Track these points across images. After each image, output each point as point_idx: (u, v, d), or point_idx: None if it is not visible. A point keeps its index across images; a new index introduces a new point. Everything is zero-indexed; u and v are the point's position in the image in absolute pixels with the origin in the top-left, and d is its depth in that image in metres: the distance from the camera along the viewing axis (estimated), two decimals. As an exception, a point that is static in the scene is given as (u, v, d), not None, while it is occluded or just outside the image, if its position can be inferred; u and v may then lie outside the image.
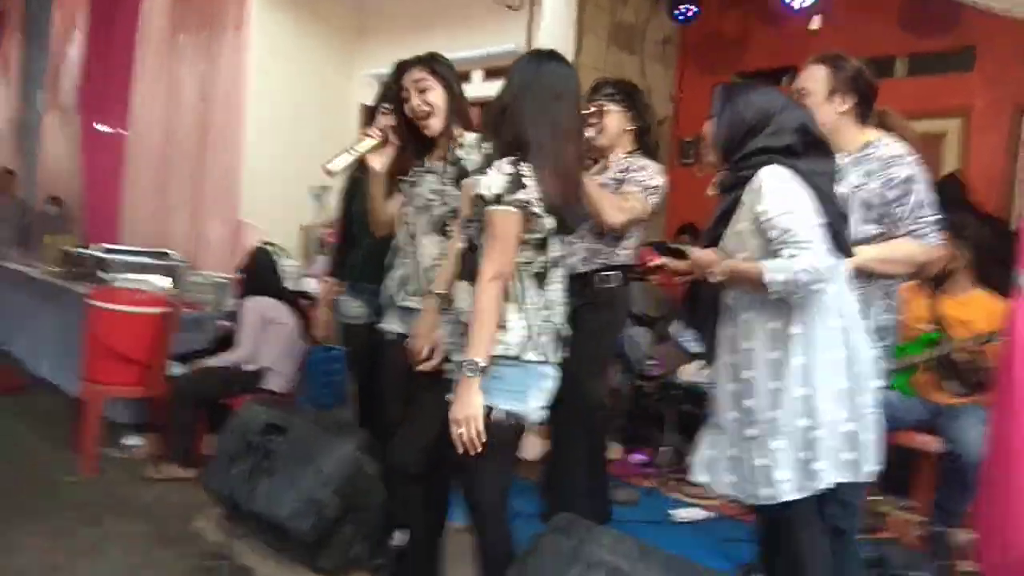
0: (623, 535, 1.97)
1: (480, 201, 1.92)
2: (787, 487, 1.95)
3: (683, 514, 3.38)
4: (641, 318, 4.14)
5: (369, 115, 2.90)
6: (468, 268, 1.98)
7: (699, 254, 2.09)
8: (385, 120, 2.74)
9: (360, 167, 2.81)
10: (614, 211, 2.72)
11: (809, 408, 1.94)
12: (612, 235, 2.82)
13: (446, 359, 2.12)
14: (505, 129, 1.95)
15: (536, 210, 1.89)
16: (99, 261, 4.68)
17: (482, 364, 1.87)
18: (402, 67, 2.49)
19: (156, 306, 3.87)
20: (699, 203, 5.54)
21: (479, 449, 1.88)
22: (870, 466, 1.99)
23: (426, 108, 2.40)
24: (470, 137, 2.43)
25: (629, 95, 2.94)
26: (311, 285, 4.99)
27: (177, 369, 3.86)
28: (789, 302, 1.92)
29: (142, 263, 4.70)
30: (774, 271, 1.87)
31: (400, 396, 2.45)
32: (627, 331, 3.82)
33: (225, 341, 3.93)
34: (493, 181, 1.90)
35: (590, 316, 2.69)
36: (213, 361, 3.73)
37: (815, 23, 4.74)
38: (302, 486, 2.44)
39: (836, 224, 1.98)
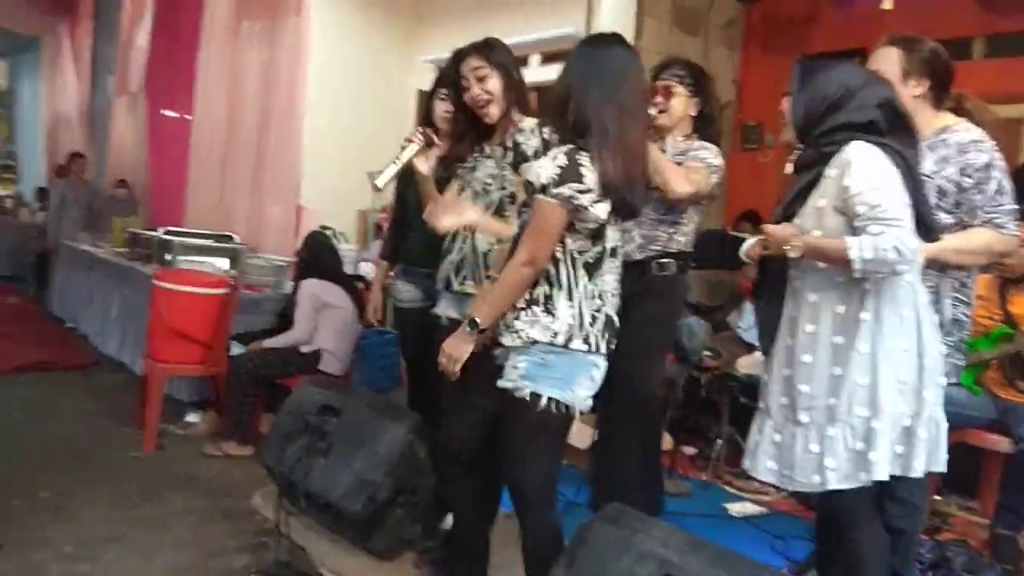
0: (674, 527, 1.92)
1: (530, 187, 1.92)
2: (835, 476, 1.90)
3: (737, 508, 3.31)
4: (698, 307, 4.06)
5: (426, 101, 2.91)
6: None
7: (776, 228, 1.99)
8: (442, 107, 2.75)
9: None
10: (681, 180, 2.59)
11: (871, 398, 1.88)
12: (670, 220, 2.75)
13: (496, 343, 2.10)
14: (568, 113, 1.92)
15: (584, 203, 1.86)
16: (164, 243, 4.80)
17: (482, 327, 1.94)
18: (459, 55, 2.47)
19: (218, 287, 3.96)
20: (761, 189, 5.48)
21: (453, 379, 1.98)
22: (922, 464, 1.91)
23: (485, 96, 2.40)
24: (529, 122, 2.41)
25: (698, 79, 2.85)
26: (367, 269, 5.05)
27: (237, 349, 3.94)
28: (867, 284, 1.86)
29: (205, 246, 4.81)
30: (861, 247, 1.79)
31: (451, 384, 2.45)
32: (684, 320, 3.74)
33: (283, 321, 4.00)
34: (544, 169, 1.89)
35: (646, 305, 2.63)
36: (271, 342, 3.80)
37: (887, 3, 4.55)
38: (355, 467, 2.46)
39: (922, 207, 1.91)
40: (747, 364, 3.64)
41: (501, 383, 1.97)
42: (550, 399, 1.92)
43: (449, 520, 2.52)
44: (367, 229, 6.73)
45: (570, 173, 1.85)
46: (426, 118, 2.88)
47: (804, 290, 1.98)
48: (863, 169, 1.85)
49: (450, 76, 2.60)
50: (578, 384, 1.95)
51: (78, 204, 7.61)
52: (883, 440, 1.87)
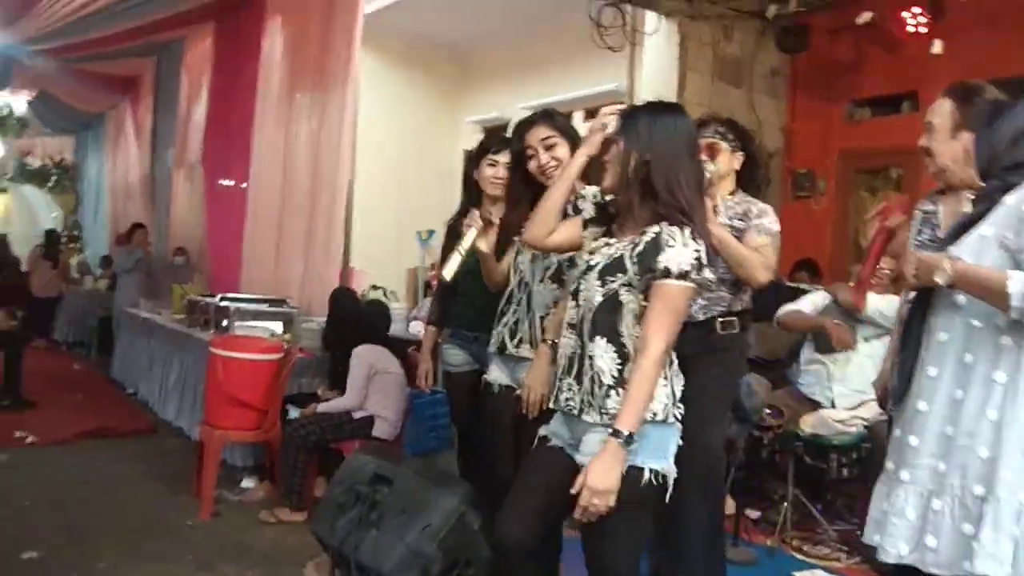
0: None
1: (651, 270, 1.84)
2: (933, 557, 1.71)
3: None
4: (756, 362, 3.94)
5: (470, 163, 2.94)
6: (607, 324, 1.89)
7: (928, 254, 1.85)
8: (491, 171, 2.79)
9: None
10: (761, 269, 2.63)
11: (988, 474, 1.68)
12: (731, 279, 2.71)
13: (551, 410, 2.05)
14: (655, 188, 1.88)
15: (710, 282, 1.88)
16: (220, 309, 4.89)
17: (632, 434, 1.79)
18: (524, 125, 2.53)
19: (272, 353, 4.00)
20: (814, 237, 5.36)
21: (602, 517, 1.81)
22: None
23: (554, 164, 2.44)
24: (590, 190, 2.38)
25: (738, 133, 2.83)
26: (418, 327, 5.05)
27: (293, 412, 3.95)
28: (1006, 337, 1.68)
29: (260, 310, 4.88)
30: (1023, 281, 1.60)
31: (508, 450, 2.40)
32: (742, 377, 3.63)
33: (334, 379, 4.00)
34: (682, 257, 1.82)
35: (708, 365, 2.59)
36: (324, 407, 3.80)
37: (936, 47, 4.48)
38: (407, 539, 2.41)
39: None
40: (811, 422, 3.50)
41: (588, 459, 1.86)
42: (652, 471, 1.85)
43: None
44: (417, 287, 6.80)
45: (702, 261, 1.85)
46: (471, 180, 2.91)
47: (936, 328, 1.81)
48: None
49: (506, 143, 2.71)
50: (671, 453, 1.90)
51: (139, 272, 7.85)
52: (991, 528, 1.65)
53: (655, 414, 1.85)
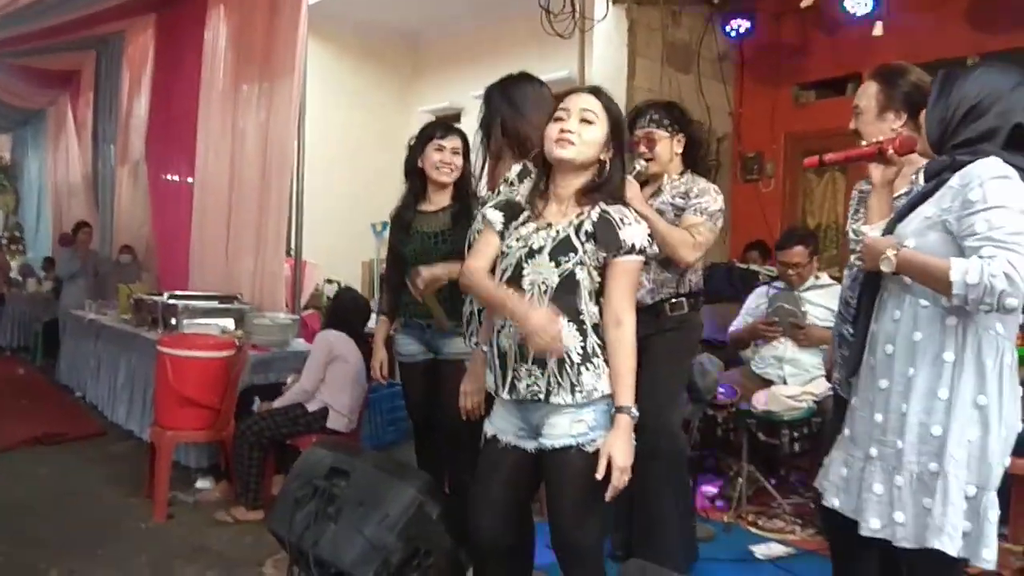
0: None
1: (615, 248, 1.88)
2: (902, 531, 1.73)
3: (763, 550, 3.21)
4: (710, 342, 3.99)
5: (415, 148, 2.91)
6: (566, 303, 1.90)
7: (875, 238, 1.85)
8: (438, 156, 2.79)
9: (412, 209, 2.83)
10: (687, 248, 2.64)
11: (941, 453, 1.70)
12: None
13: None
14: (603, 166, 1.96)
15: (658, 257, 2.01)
16: (168, 307, 4.78)
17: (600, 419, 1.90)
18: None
19: (223, 350, 3.92)
20: (764, 219, 5.43)
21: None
22: (993, 553, 1.71)
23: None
24: (513, 170, 2.34)
25: (675, 117, 2.84)
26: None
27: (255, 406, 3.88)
28: (952, 318, 1.70)
29: (209, 308, 4.79)
30: (966, 269, 1.58)
31: (473, 439, 2.39)
32: (696, 357, 3.67)
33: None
34: (639, 233, 1.91)
35: (662, 344, 2.63)
36: (279, 401, 3.74)
37: (877, 29, 4.58)
38: (367, 532, 2.38)
39: None
40: (763, 399, 3.56)
41: (559, 441, 1.90)
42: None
43: (468, 579, 2.44)
44: (373, 279, 6.74)
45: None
46: (414, 169, 2.88)
47: (889, 306, 1.82)
48: (996, 184, 1.66)
49: (452, 129, 2.79)
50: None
51: (84, 273, 7.65)
52: (947, 504, 1.69)
53: (608, 387, 1.90)
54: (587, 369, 1.88)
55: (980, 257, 1.60)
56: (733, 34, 5.22)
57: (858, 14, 4.62)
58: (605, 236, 1.88)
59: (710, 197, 2.73)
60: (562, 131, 1.90)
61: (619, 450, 1.83)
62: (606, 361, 1.90)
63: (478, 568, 2.21)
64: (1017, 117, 1.73)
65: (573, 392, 1.88)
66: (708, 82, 5.48)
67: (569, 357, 1.87)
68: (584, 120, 1.91)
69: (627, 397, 1.86)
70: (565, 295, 1.89)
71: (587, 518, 1.92)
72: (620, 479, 1.82)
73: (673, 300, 2.75)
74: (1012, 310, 1.61)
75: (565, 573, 1.98)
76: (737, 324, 3.93)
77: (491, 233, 2.03)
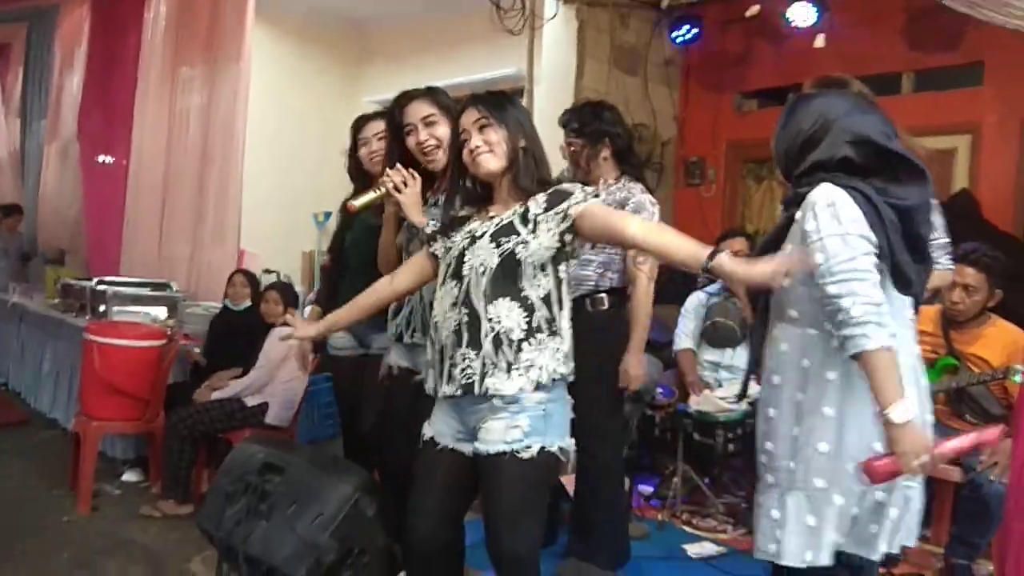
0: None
1: (574, 202, 1.93)
2: (784, 550, 1.77)
3: (696, 549, 3.27)
4: (651, 344, 4.04)
5: (351, 152, 2.86)
6: (507, 283, 1.92)
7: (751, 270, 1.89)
8: (364, 150, 2.74)
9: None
10: (648, 288, 2.76)
11: (832, 467, 1.72)
12: (598, 260, 2.77)
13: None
14: (527, 168, 2.00)
15: None
16: (97, 293, 4.62)
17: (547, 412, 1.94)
18: (404, 99, 2.42)
19: (153, 339, 3.80)
20: (704, 224, 5.52)
21: None
22: (885, 545, 1.75)
23: (434, 143, 2.35)
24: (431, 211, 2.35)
25: (590, 122, 2.84)
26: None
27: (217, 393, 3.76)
28: (835, 340, 1.70)
29: (141, 295, 4.65)
30: (862, 336, 1.60)
31: (402, 432, 2.37)
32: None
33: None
34: (586, 191, 1.97)
35: (587, 344, 2.62)
36: (219, 394, 3.65)
37: (819, 41, 4.69)
38: (299, 529, 2.34)
39: (899, 255, 1.70)
40: (698, 400, 3.62)
41: (494, 447, 1.88)
42: (561, 449, 1.91)
43: (401, 577, 2.42)
44: (313, 271, 6.62)
45: None
46: (359, 171, 2.84)
47: (778, 339, 1.84)
48: (823, 212, 1.69)
49: (366, 120, 2.68)
50: (568, 427, 1.96)
51: (9, 255, 7.34)
52: (836, 517, 1.73)
53: (562, 375, 1.92)
54: (529, 344, 1.88)
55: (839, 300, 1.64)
56: (679, 40, 5.29)
57: (801, 26, 4.73)
58: (558, 198, 1.94)
59: (647, 212, 2.76)
60: (472, 150, 1.98)
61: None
62: (555, 334, 1.91)
63: (410, 568, 2.20)
64: (843, 151, 1.74)
65: (509, 371, 1.87)
66: (655, 86, 5.54)
67: (508, 337, 1.88)
68: (482, 128, 1.98)
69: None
70: (504, 276, 1.90)
71: (521, 525, 1.92)
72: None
73: (593, 296, 2.77)
74: (859, 335, 1.61)
75: None
76: (681, 332, 3.97)
77: (420, 258, 2.12)
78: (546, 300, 1.92)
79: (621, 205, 2.76)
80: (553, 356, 1.90)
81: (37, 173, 7.92)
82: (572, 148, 2.81)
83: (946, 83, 4.81)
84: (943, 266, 2.21)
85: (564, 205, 1.92)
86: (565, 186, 1.98)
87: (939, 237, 2.21)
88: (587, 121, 2.83)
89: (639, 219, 1.92)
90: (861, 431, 1.72)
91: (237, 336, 3.97)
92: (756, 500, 1.89)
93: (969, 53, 4.55)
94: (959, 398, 3.06)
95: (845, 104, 1.81)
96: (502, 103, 2.02)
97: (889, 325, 1.63)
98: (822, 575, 1.79)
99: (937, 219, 2.21)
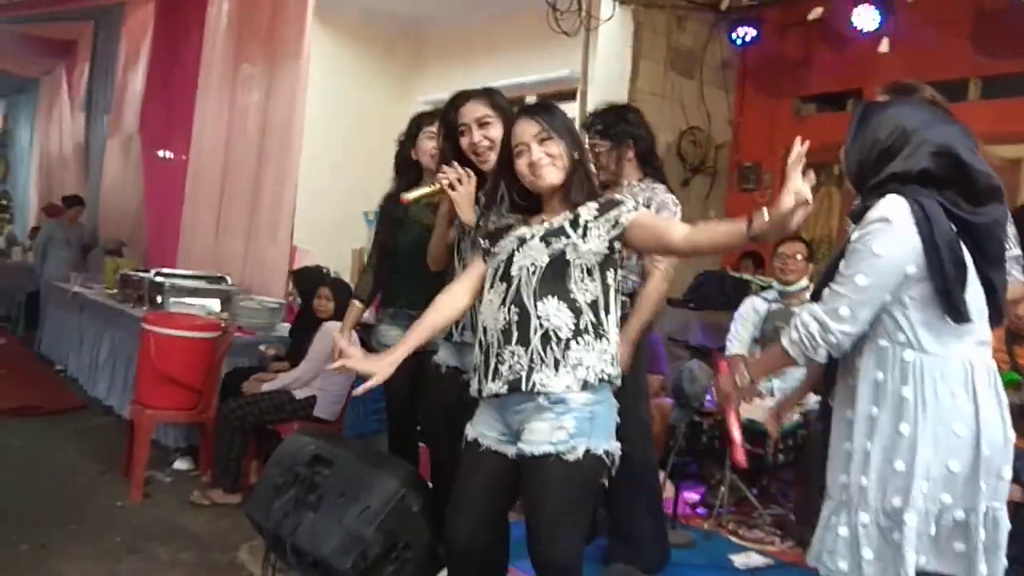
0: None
1: (627, 210, 1.96)
2: (869, 568, 1.71)
3: (742, 560, 3.20)
4: (699, 350, 3.99)
5: (407, 140, 2.89)
6: (555, 283, 1.93)
7: (721, 382, 2.05)
8: (430, 144, 2.73)
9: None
10: (664, 287, 2.73)
11: (905, 487, 1.67)
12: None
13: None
14: (580, 179, 2.01)
15: None
16: (155, 285, 4.73)
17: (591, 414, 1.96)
18: (460, 99, 2.42)
19: (208, 331, 3.88)
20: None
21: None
22: (985, 567, 1.67)
23: (487, 143, 2.34)
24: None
25: (616, 125, 2.82)
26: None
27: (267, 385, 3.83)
28: (907, 354, 1.68)
29: (197, 287, 4.75)
30: (790, 331, 1.73)
31: (450, 432, 2.37)
32: (684, 365, 3.67)
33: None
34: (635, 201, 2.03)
35: None
36: (269, 385, 3.71)
37: (883, 46, 4.58)
38: (346, 522, 2.37)
39: (951, 283, 1.64)
40: (749, 408, 3.55)
41: (539, 448, 1.86)
42: (606, 452, 1.89)
43: (443, 575, 2.42)
44: (363, 267, 6.69)
45: None
46: (408, 161, 2.85)
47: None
48: (872, 225, 1.66)
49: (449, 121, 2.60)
50: (614, 428, 1.95)
51: (72, 246, 7.57)
52: (913, 537, 1.66)
53: (609, 376, 1.90)
54: (577, 344, 1.88)
55: (799, 310, 1.74)
56: (738, 42, 5.21)
57: (865, 30, 4.61)
58: (609, 205, 1.96)
59: (669, 211, 2.74)
60: (531, 164, 1.97)
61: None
62: (601, 337, 1.91)
63: (452, 569, 2.19)
64: (923, 162, 1.68)
65: (556, 368, 1.86)
66: (710, 89, 5.47)
67: (556, 335, 1.87)
68: (542, 141, 1.97)
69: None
70: (554, 276, 1.90)
71: (565, 529, 1.90)
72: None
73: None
74: (833, 347, 1.69)
75: None
76: (734, 336, 3.88)
77: (476, 266, 2.10)
78: (593, 305, 1.91)
79: (645, 205, 2.74)
80: (600, 357, 1.89)
81: (100, 166, 8.16)
82: (597, 150, 2.80)
83: (1015, 89, 4.65)
84: (1016, 278, 2.13)
85: (616, 212, 1.93)
86: (616, 196, 2.00)
87: (1012, 248, 2.12)
88: (611, 123, 2.82)
89: (680, 224, 1.93)
90: (936, 449, 1.67)
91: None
92: (823, 515, 1.83)
93: (1040, 58, 4.39)
94: (1022, 414, 2.94)
95: (923, 114, 1.75)
96: (555, 114, 2.03)
97: (813, 350, 1.71)
98: None
99: (1010, 229, 2.13)
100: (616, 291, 1.97)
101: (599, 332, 1.90)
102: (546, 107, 2.06)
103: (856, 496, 1.73)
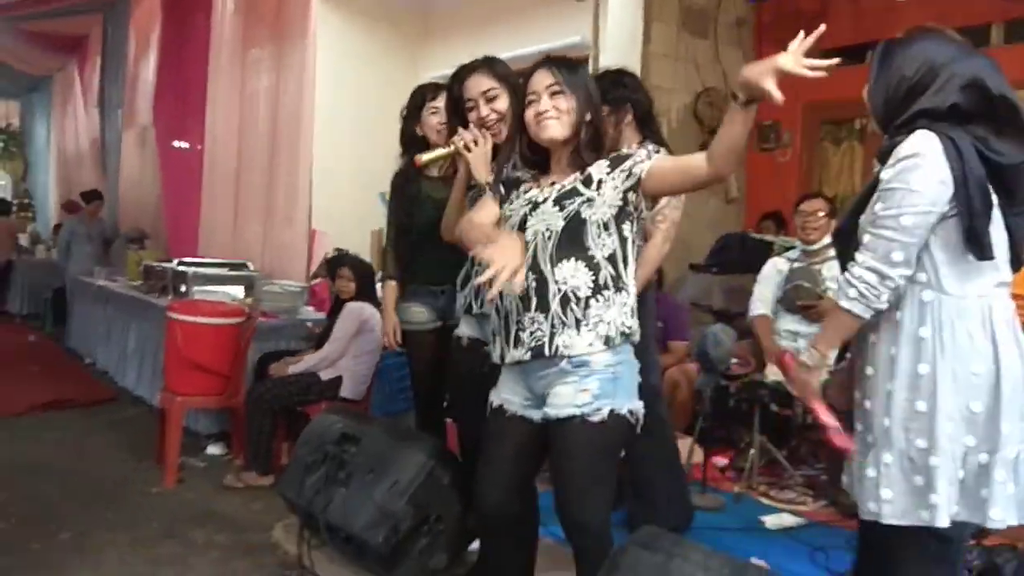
0: (711, 549, 1.83)
1: (640, 160, 1.95)
2: (890, 509, 1.71)
3: (773, 520, 3.19)
4: (722, 313, 3.95)
5: (410, 116, 2.87)
6: (574, 244, 1.93)
7: (792, 377, 1.91)
8: (435, 119, 2.72)
9: (416, 178, 2.76)
10: (662, 247, 2.74)
11: (930, 428, 1.66)
12: None
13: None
14: (593, 137, 2.00)
15: None
16: (178, 274, 4.77)
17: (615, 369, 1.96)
18: (464, 73, 2.39)
19: (233, 317, 3.91)
20: (780, 189, 5.36)
21: None
22: (1002, 512, 1.66)
23: (496, 116, 2.33)
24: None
25: (613, 90, 2.79)
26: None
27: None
28: (926, 295, 1.68)
29: (219, 275, 4.77)
30: (845, 292, 1.68)
31: (478, 401, 2.37)
32: (709, 328, 3.63)
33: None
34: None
35: None
36: (296, 367, 3.73)
37: (901, -7, 4.46)
38: (376, 497, 2.38)
39: (976, 219, 1.63)
40: (775, 371, 3.52)
41: (564, 411, 1.87)
42: (630, 412, 1.90)
43: (476, 545, 2.43)
44: (383, 248, 6.68)
45: None
46: (413, 136, 2.83)
47: None
48: (903, 163, 1.63)
49: (443, 88, 2.61)
50: (637, 386, 1.96)
51: (93, 240, 7.65)
52: (943, 481, 1.65)
53: (629, 328, 1.91)
54: (596, 301, 1.88)
55: (852, 264, 1.70)
56: (751, -1, 5.11)
57: (881, -22, 4.50)
58: (621, 159, 1.95)
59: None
60: (538, 113, 1.95)
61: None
62: (621, 290, 1.91)
63: (483, 537, 2.20)
64: (952, 97, 1.65)
65: (578, 328, 1.87)
66: (725, 48, 5.36)
67: (576, 295, 1.88)
68: (553, 94, 1.96)
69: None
70: (571, 238, 1.90)
71: (592, 489, 1.91)
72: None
73: None
74: (893, 292, 1.67)
75: (573, 545, 1.97)
76: (757, 298, 3.82)
77: (491, 201, 2.10)
78: (611, 259, 1.91)
79: None
80: (620, 311, 1.91)
81: (117, 160, 8.21)
82: None
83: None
84: None
85: (629, 163, 1.93)
86: (625, 151, 2.00)
87: None
88: (608, 88, 2.79)
89: (694, 154, 1.87)
90: (956, 389, 1.66)
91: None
92: (855, 460, 1.82)
93: (1066, -2, 4.26)
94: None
95: (950, 48, 1.71)
96: (576, 70, 2.00)
97: (879, 298, 1.66)
98: (908, 540, 1.72)
99: None
100: (633, 243, 1.97)
101: (619, 285, 1.92)
102: (567, 62, 2.03)
103: (881, 437, 1.73)
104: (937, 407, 1.66)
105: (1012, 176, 1.67)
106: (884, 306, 1.68)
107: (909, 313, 1.70)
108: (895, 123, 1.73)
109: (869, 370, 1.79)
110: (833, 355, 1.78)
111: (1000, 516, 1.66)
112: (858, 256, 1.69)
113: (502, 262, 1.72)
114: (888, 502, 1.71)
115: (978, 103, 1.66)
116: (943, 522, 1.66)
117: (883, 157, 1.74)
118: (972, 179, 1.62)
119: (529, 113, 1.98)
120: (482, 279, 1.73)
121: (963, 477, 1.68)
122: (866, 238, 1.68)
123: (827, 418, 1.84)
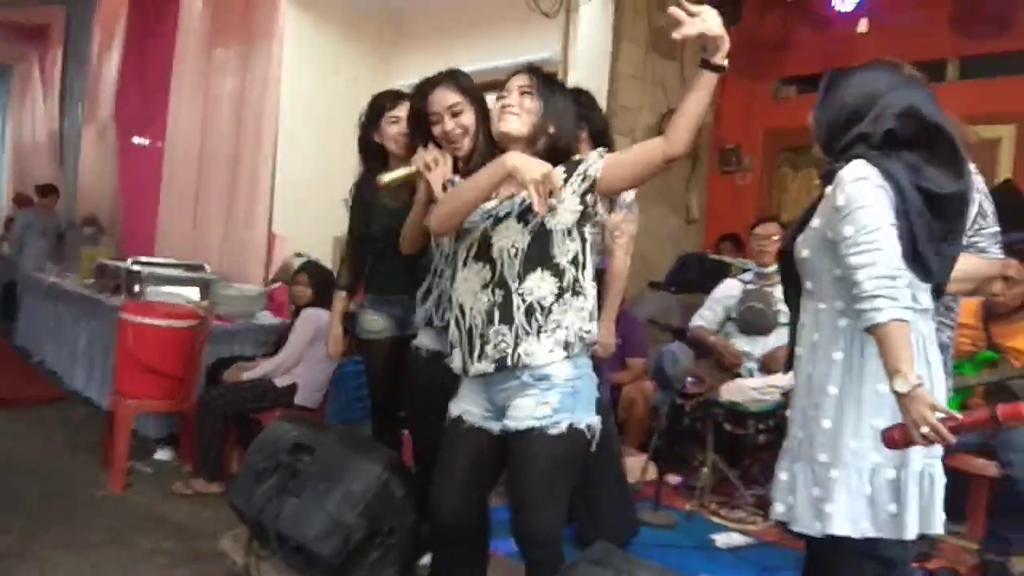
0: (661, 567, 1.85)
1: (591, 162, 1.96)
2: (799, 517, 1.79)
3: (723, 539, 3.22)
4: (680, 332, 3.99)
5: (369, 124, 2.86)
6: (540, 256, 1.94)
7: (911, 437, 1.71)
8: (395, 129, 2.72)
9: (372, 187, 2.75)
10: (625, 260, 2.80)
11: (833, 443, 1.74)
12: None
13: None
14: (553, 153, 1.99)
15: None
16: (132, 274, 4.68)
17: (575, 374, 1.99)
18: (427, 87, 2.37)
19: (187, 319, 3.84)
20: (739, 212, 5.44)
21: None
22: (916, 523, 1.72)
23: (460, 131, 2.31)
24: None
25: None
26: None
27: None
28: (842, 320, 1.75)
29: (174, 276, 4.70)
30: (875, 311, 1.59)
31: (435, 414, 2.36)
32: (666, 347, 3.68)
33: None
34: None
35: None
36: (250, 374, 3.68)
37: (862, 26, 4.58)
38: (329, 508, 2.35)
39: (920, 243, 1.68)
40: (730, 390, 3.57)
41: (523, 423, 1.88)
42: (588, 426, 1.92)
43: (427, 559, 2.42)
44: (342, 257, 6.64)
45: None
46: (372, 145, 2.82)
47: (802, 312, 1.87)
48: (853, 186, 1.68)
49: (402, 97, 2.64)
50: (594, 404, 1.97)
51: (47, 235, 7.47)
52: (840, 492, 1.72)
53: (587, 333, 1.93)
54: (558, 306, 1.91)
55: (855, 266, 1.65)
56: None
57: (843, 10, 4.62)
58: (574, 165, 1.96)
59: (626, 193, 2.79)
60: (503, 106, 1.99)
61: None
62: (579, 294, 1.93)
63: (436, 547, 2.20)
64: (888, 124, 1.72)
65: (539, 335, 1.89)
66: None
67: (541, 305, 1.90)
68: (522, 93, 1.99)
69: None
70: (538, 251, 1.92)
71: (548, 501, 1.92)
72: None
73: None
74: (906, 284, 1.64)
75: (525, 556, 1.97)
76: (703, 313, 3.89)
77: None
78: (573, 261, 1.95)
79: None
80: (578, 315, 1.93)
81: (76, 154, 8.04)
82: None
83: (993, 70, 4.68)
84: (993, 255, 2.15)
85: (583, 167, 1.95)
86: (577, 157, 2.00)
87: (990, 225, 2.14)
88: None
89: (651, 140, 1.93)
90: (859, 409, 1.73)
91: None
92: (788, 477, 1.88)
93: (1018, 39, 4.41)
94: (999, 392, 2.98)
95: (893, 79, 1.79)
96: (554, 87, 2.04)
97: (903, 298, 1.61)
98: (851, 562, 1.79)
99: (988, 207, 2.15)
100: (591, 244, 2.01)
101: (576, 289, 1.94)
102: (550, 76, 2.08)
103: (795, 447, 1.82)
104: (842, 424, 1.73)
105: (943, 205, 1.73)
106: (909, 303, 1.64)
107: (824, 332, 1.78)
108: (836, 147, 1.81)
109: (794, 381, 1.88)
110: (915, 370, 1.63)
111: (916, 530, 1.72)
112: (859, 278, 1.63)
113: (537, 170, 1.79)
114: (792, 509, 1.80)
115: (913, 130, 1.73)
116: (833, 530, 1.73)
117: (827, 178, 1.80)
118: (912, 208, 1.69)
119: (496, 106, 2.02)
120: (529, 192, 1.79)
121: (870, 493, 1.74)
122: (854, 260, 1.65)
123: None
